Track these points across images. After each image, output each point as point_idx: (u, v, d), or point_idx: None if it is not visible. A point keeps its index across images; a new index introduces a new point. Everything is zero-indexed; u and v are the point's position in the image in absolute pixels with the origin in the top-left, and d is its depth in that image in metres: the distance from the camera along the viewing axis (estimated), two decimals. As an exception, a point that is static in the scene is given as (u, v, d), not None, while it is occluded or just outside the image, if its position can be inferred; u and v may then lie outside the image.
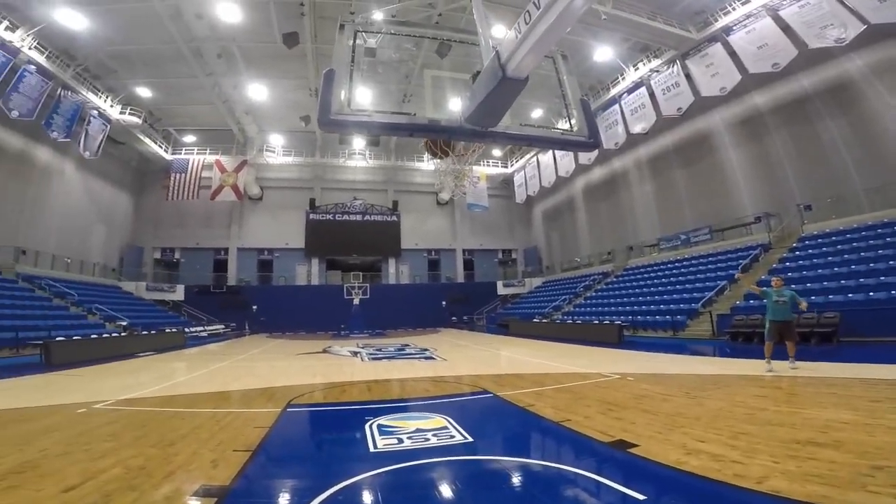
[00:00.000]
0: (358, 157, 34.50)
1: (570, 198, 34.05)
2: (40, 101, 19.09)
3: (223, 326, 27.85)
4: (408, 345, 18.29)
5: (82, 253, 25.98)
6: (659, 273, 22.56)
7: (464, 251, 37.73)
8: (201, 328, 25.36)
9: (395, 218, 35.64)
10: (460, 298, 34.32)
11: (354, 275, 33.16)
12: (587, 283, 27.34)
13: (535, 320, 23.55)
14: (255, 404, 6.96)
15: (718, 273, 18.45)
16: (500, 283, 35.80)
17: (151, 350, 15.98)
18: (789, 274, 15.19)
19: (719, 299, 16.53)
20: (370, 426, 5.37)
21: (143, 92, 25.61)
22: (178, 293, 30.16)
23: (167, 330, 20.36)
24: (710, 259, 20.45)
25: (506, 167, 36.66)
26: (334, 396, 7.66)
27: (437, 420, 5.63)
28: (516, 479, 3.63)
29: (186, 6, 18.81)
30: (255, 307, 30.89)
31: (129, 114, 25.15)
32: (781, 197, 19.55)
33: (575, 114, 4.28)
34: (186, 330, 22.26)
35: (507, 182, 37.21)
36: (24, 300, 17.69)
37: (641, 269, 24.55)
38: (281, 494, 3.48)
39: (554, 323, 21.86)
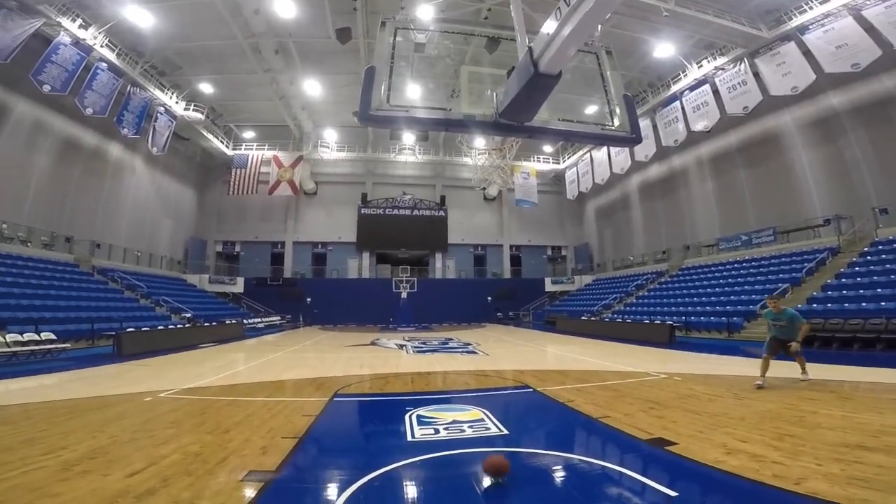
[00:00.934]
0: (407, 153, 34.81)
1: (624, 195, 32.90)
2: (112, 98, 20.18)
3: (279, 318, 29.26)
4: (451, 339, 18.46)
5: (151, 246, 28.03)
6: (717, 274, 21.35)
7: (511, 247, 37.38)
8: (259, 320, 26.80)
9: (442, 213, 35.86)
10: (506, 294, 34.09)
11: (402, 269, 33.74)
12: (640, 281, 26.33)
13: (583, 318, 22.99)
14: (304, 393, 7.34)
15: (781, 276, 17.27)
16: (548, 280, 35.22)
17: (213, 341, 17.09)
18: (858, 279, 14.19)
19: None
20: (410, 416, 5.53)
21: (206, 88, 26.77)
22: (238, 285, 31.90)
23: (227, 321, 21.71)
24: (773, 261, 19.19)
25: (557, 163, 35.93)
26: (378, 387, 7.92)
27: (475, 412, 5.70)
28: (548, 472, 3.65)
29: (245, 1, 19.39)
30: (309, 299, 32.21)
31: (193, 110, 26.36)
32: (855, 200, 18.24)
33: (618, 110, 4.18)
34: (245, 321, 23.64)
35: (559, 178, 36.45)
36: (99, 292, 19.26)
37: (698, 269, 23.32)
38: (322, 480, 3.68)
39: (603, 321, 21.23)
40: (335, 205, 35.24)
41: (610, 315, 22.77)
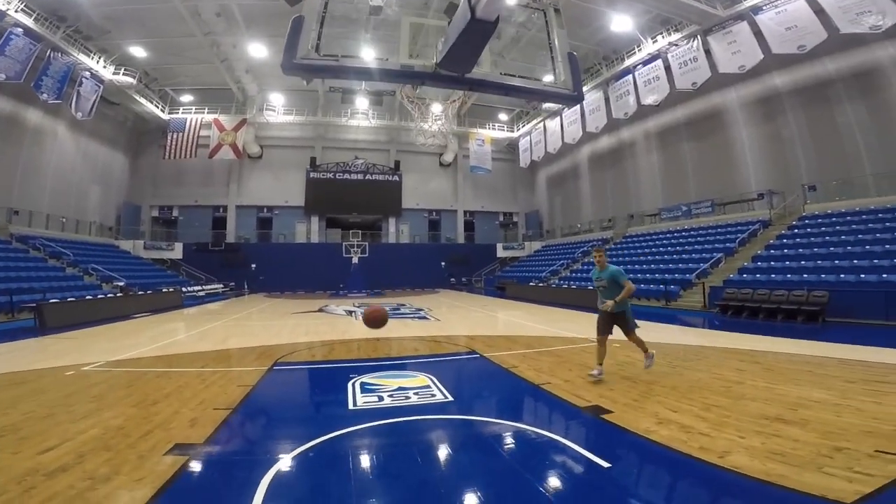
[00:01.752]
0: (360, 117, 33.66)
1: (574, 164, 33.65)
2: (28, 63, 18.39)
3: (222, 286, 27.95)
4: (404, 305, 18.46)
5: (78, 213, 25.74)
6: (657, 242, 22.43)
7: (465, 213, 37.53)
8: (199, 287, 25.51)
9: (396, 178, 35.26)
10: (460, 260, 34.38)
11: (354, 233, 33.11)
12: (586, 248, 27.28)
13: (531, 284, 23.66)
14: (243, 363, 7.05)
15: (716, 246, 18.34)
16: (500, 246, 35.79)
17: (148, 311, 16.08)
18: (785, 251, 15.19)
19: (714, 272, 16.48)
20: (353, 384, 5.44)
21: (138, 52, 24.68)
22: (177, 251, 30.08)
23: (164, 290, 20.43)
24: (710, 232, 20.32)
25: (511, 131, 35.99)
26: (322, 355, 7.75)
27: (421, 379, 5.70)
28: (487, 439, 3.69)
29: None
30: (253, 266, 30.92)
31: (123, 74, 24.31)
32: (788, 177, 19.44)
33: (561, 67, 4.07)
34: (184, 290, 22.35)
35: (513, 146, 36.61)
36: (19, 261, 17.47)
37: (640, 238, 24.40)
38: (251, 452, 3.52)
39: (550, 287, 21.94)
40: (282, 169, 33.80)
41: (557, 281, 23.55)
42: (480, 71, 3.60)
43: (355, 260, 31.68)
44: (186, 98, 31.06)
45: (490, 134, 34.98)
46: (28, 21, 18.22)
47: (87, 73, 22.17)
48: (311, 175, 33.72)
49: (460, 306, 18.19)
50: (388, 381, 5.61)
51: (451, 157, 35.91)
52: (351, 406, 4.58)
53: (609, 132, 28.74)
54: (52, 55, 19.74)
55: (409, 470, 3.09)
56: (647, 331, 10.58)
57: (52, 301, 12.74)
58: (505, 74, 3.90)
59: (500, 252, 35.45)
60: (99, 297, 15.79)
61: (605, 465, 3.03)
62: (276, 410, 4.68)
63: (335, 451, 3.45)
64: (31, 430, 3.75)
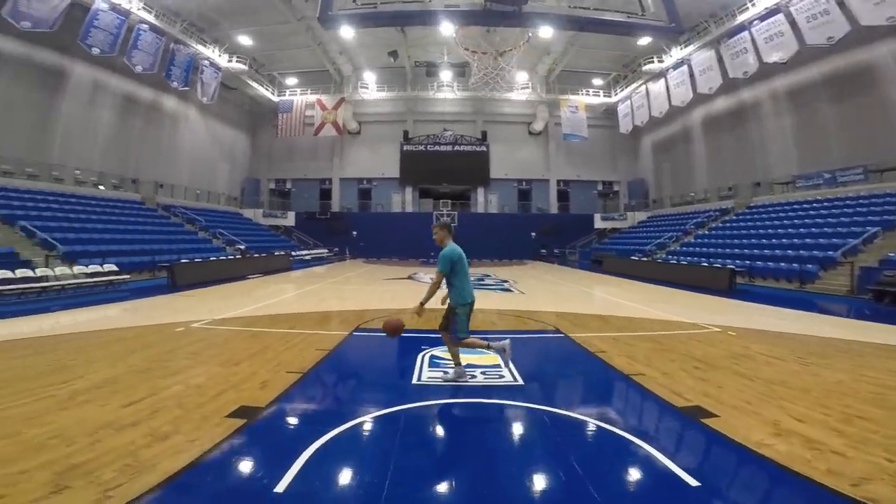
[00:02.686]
0: (446, 90, 33.78)
1: (685, 129, 29.98)
2: (158, 55, 20.98)
3: (326, 251, 30.39)
4: (489, 275, 18.20)
5: (210, 185, 29.67)
6: (791, 214, 19.04)
7: (558, 182, 35.74)
8: (306, 252, 27.89)
9: (483, 148, 34.78)
10: (551, 230, 32.97)
11: (443, 202, 33.66)
12: (700, 219, 24.30)
13: (633, 258, 21.79)
14: (326, 326, 7.34)
15: (870, 219, 14.97)
16: (597, 216, 33.55)
17: (261, 272, 17.85)
18: None
19: (867, 249, 13.51)
20: (423, 357, 5.32)
21: (245, 41, 26.99)
22: (290, 219, 33.40)
23: (276, 253, 22.63)
24: (862, 202, 16.67)
25: (608, 96, 33.31)
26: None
27: (492, 357, 5.37)
28: (552, 435, 3.24)
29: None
30: (354, 233, 33.09)
31: (236, 62, 26.85)
32: None
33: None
34: (293, 253, 24.57)
35: (610, 112, 33.89)
36: (161, 227, 20.53)
37: (769, 209, 20.94)
38: (303, 421, 3.52)
39: (655, 262, 19.96)
40: (378, 142, 35.22)
41: (664, 256, 21.37)
42: (541, 4, 2.98)
43: (447, 228, 32.12)
44: (291, 81, 33.45)
45: (583, 100, 32.69)
46: (150, 17, 20.53)
47: (206, 61, 24.65)
48: (405, 148, 34.67)
49: (549, 279, 17.40)
50: (458, 357, 5.37)
51: (541, 125, 34.36)
52: (415, 380, 4.44)
53: (725, 93, 25.09)
54: (174, 47, 22.20)
55: (457, 460, 2.81)
56: (775, 317, 9.09)
57: (182, 262, 14.58)
58: (575, 7, 3.21)
59: (598, 223, 33.26)
60: (221, 258, 17.83)
61: (694, 483, 2.44)
62: (341, 379, 4.70)
63: (384, 429, 3.30)
64: (125, 384, 4.11)
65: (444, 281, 4.43)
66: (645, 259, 21.18)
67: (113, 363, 4.83)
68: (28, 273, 10.09)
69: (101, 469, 2.45)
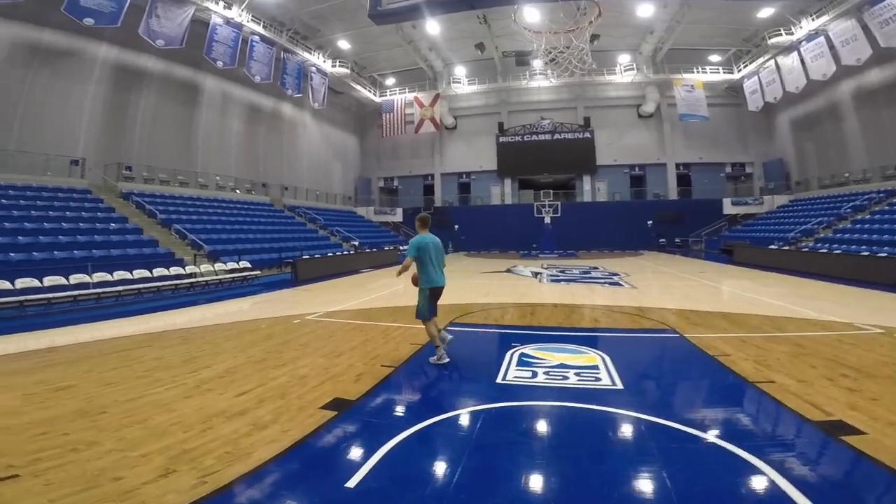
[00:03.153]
0: (540, 78, 32.43)
1: (831, 104, 24.88)
2: (271, 65, 23.09)
3: (431, 245, 31.31)
4: (597, 268, 17.13)
5: (327, 186, 32.51)
6: None
7: (678, 165, 32.25)
8: (412, 247, 29.02)
9: (587, 134, 32.83)
10: (671, 218, 29.88)
11: (544, 193, 32.54)
12: (859, 202, 20.03)
13: (772, 247, 18.76)
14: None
15: None
16: (727, 201, 29.55)
17: (372, 266, 19.02)
18: None
19: None
20: (512, 354, 5.11)
21: (344, 45, 28.62)
22: (398, 215, 35.10)
23: (385, 248, 23.90)
24: None
25: (730, 73, 29.30)
26: (494, 318, 7.62)
27: (590, 357, 4.98)
28: (650, 449, 2.82)
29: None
30: (456, 227, 33.58)
31: (339, 66, 28.69)
32: None
33: None
34: (400, 248, 25.72)
35: (734, 89, 29.94)
36: (288, 225, 22.99)
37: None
38: (386, 417, 3.56)
39: (800, 251, 16.93)
40: (474, 136, 35.29)
41: (811, 244, 18.04)
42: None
43: (547, 220, 31.19)
44: (390, 81, 34.92)
45: (700, 78, 29.31)
46: (259, 28, 22.45)
47: (314, 68, 26.58)
48: (501, 139, 34.23)
49: (667, 272, 15.78)
50: (551, 356, 5.06)
51: (652, 107, 31.39)
52: (499, 379, 4.26)
53: (879, 64, 20.35)
54: (284, 56, 24.21)
55: (531, 470, 2.59)
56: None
57: (304, 257, 16.08)
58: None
59: (728, 208, 29.31)
60: (337, 254, 19.35)
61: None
62: (427, 375, 4.66)
63: (459, 431, 3.18)
64: (242, 374, 4.54)
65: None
66: (787, 248, 18.14)
67: (235, 354, 5.39)
68: (179, 270, 11.98)
69: (205, 455, 2.71)
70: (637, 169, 33.03)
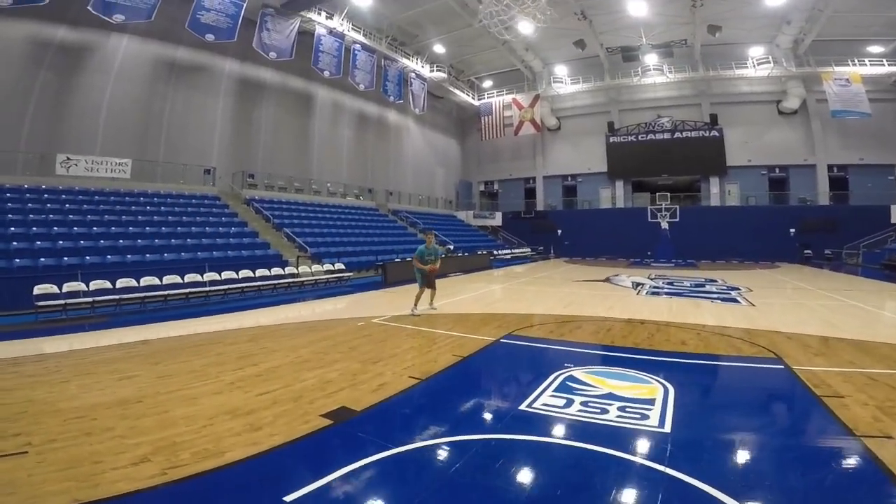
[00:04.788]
0: (654, 73, 29.39)
1: None
2: (373, 72, 24.13)
3: (529, 250, 30.51)
4: (715, 280, 14.93)
5: (429, 190, 33.50)
6: None
7: (830, 167, 26.86)
8: (508, 251, 28.46)
9: (715, 133, 28.89)
10: (821, 226, 24.86)
11: (661, 196, 29.43)
12: None
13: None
14: (480, 330, 7.09)
15: None
16: (895, 208, 23.84)
17: (461, 270, 18.92)
18: None
19: None
20: (558, 376, 4.54)
21: (440, 49, 29.04)
22: (497, 219, 34.79)
23: (478, 252, 23.74)
24: None
25: (895, 65, 23.68)
26: (561, 333, 6.94)
27: (650, 387, 4.21)
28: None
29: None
30: (559, 231, 32.17)
31: (437, 71, 29.26)
32: None
33: None
34: (495, 252, 25.40)
35: None
36: (390, 229, 24.12)
37: None
38: (377, 435, 3.29)
39: None
40: (581, 137, 33.47)
41: None
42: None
43: (664, 225, 28.18)
44: (488, 83, 34.70)
45: (856, 71, 24.36)
46: (360, 37, 23.55)
47: (413, 73, 27.36)
48: (611, 140, 31.91)
49: (804, 288, 13.08)
50: (602, 382, 4.38)
51: (797, 102, 26.78)
52: (524, 405, 3.76)
53: None
54: (385, 63, 25.18)
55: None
56: None
57: (396, 260, 16.60)
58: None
59: (897, 216, 23.63)
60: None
61: None
62: (449, 391, 4.33)
63: (429, 463, 2.84)
64: (278, 374, 4.66)
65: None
66: None
67: (286, 353, 5.57)
68: (281, 271, 13.19)
69: (186, 450, 2.79)
70: (777, 170, 28.35)
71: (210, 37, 17.06)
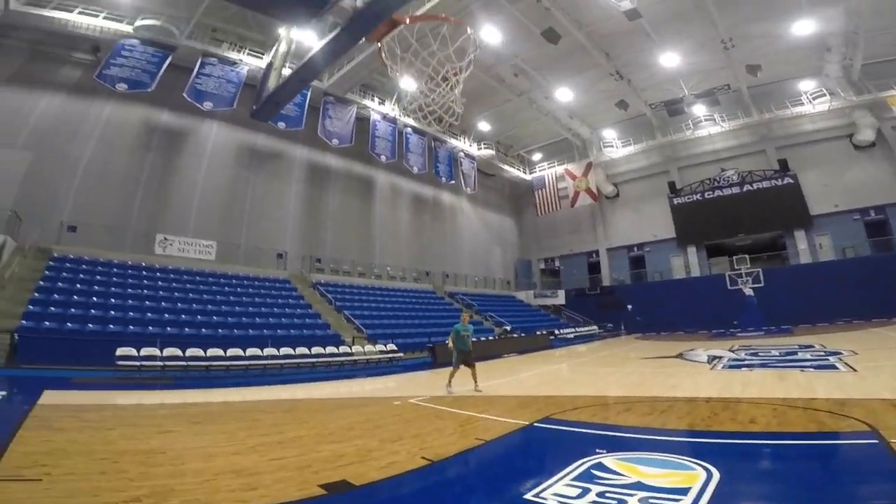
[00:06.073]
0: (707, 124, 28.60)
1: None
2: (425, 155, 25.57)
3: (596, 328, 28.69)
4: (812, 346, 13.01)
5: (487, 271, 33.37)
6: None
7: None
8: (570, 330, 26.94)
9: (789, 180, 26.66)
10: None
11: (739, 258, 26.92)
12: None
13: None
14: (514, 413, 6.55)
15: None
16: None
17: (517, 351, 18.18)
18: None
19: None
20: (584, 462, 3.98)
21: (484, 126, 30.37)
22: (560, 298, 33.24)
23: (537, 332, 22.81)
24: None
25: None
26: (603, 416, 6.21)
27: (688, 475, 3.54)
28: None
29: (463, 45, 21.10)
30: (629, 306, 30.14)
31: (484, 148, 30.46)
32: None
33: None
34: (556, 332, 24.18)
35: None
36: (445, 311, 24.15)
37: None
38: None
39: None
40: (642, 202, 32.47)
41: None
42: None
43: (747, 291, 25.42)
44: (537, 156, 35.40)
45: None
46: (410, 120, 25.08)
47: (462, 153, 28.58)
48: (675, 202, 30.53)
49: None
50: (633, 470, 3.76)
51: (871, 133, 24.50)
52: (530, 494, 3.28)
53: None
54: (435, 145, 26.54)
55: None
56: None
57: (445, 342, 16.36)
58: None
59: None
60: (481, 339, 19.20)
61: None
62: (460, 475, 3.99)
63: None
64: (299, 444, 4.73)
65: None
66: None
67: (313, 426, 5.67)
68: (336, 350, 13.83)
69: (178, 497, 2.99)
70: (873, 213, 25.21)
71: (282, 125, 19.44)
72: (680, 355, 13.94)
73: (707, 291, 27.39)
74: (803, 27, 21.04)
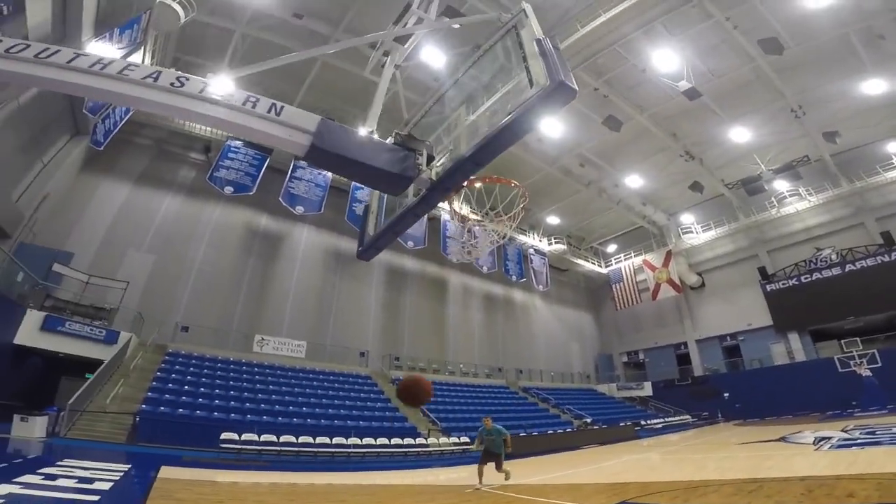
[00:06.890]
0: (793, 200, 26.90)
1: None
2: (494, 253, 25.54)
3: (689, 416, 26.44)
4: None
5: (565, 366, 32.06)
6: None
7: None
8: (659, 420, 24.88)
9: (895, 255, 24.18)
10: None
11: (849, 341, 23.90)
12: None
13: None
14: (589, 499, 6.57)
15: None
16: None
17: (598, 442, 17.33)
18: None
19: None
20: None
21: (554, 220, 30.33)
22: (647, 389, 30.86)
23: (621, 424, 21.43)
24: None
25: None
26: (683, 499, 6.00)
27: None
28: None
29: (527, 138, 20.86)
30: (726, 395, 27.42)
31: (555, 243, 30.26)
32: None
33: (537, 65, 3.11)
34: (643, 423, 22.49)
35: None
36: (519, 405, 23.62)
37: None
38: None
39: None
40: (731, 290, 30.30)
41: None
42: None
43: (863, 372, 22.50)
44: (612, 248, 34.68)
45: None
46: (477, 217, 26.25)
47: (531, 249, 28.45)
48: (768, 288, 28.28)
49: None
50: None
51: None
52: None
53: None
54: (504, 243, 27.14)
55: None
56: None
57: (521, 434, 16.16)
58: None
59: None
60: (558, 431, 18.51)
61: None
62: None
63: None
64: None
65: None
66: None
67: None
68: (411, 441, 14.35)
69: None
70: None
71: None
72: (783, 438, 12.57)
73: (815, 375, 24.46)
74: (874, 86, 20.22)
